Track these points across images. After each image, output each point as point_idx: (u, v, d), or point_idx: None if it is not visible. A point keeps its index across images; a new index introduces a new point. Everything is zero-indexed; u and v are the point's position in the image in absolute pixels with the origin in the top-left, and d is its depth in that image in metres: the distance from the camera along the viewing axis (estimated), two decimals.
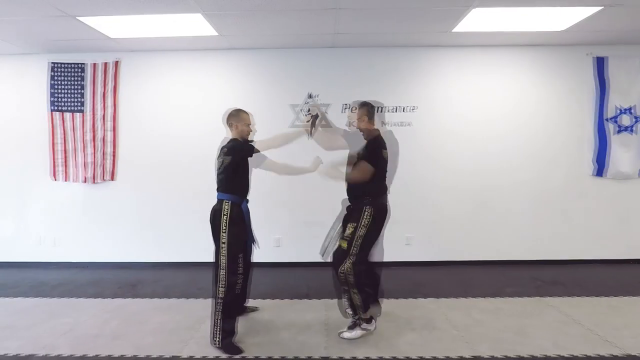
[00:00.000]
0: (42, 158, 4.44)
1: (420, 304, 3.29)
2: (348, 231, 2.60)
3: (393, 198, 4.56)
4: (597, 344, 2.54)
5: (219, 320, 2.51)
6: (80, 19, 3.37)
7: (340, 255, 2.62)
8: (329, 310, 3.12)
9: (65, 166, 4.44)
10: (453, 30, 3.82)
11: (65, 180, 4.44)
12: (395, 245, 4.40)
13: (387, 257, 4.34)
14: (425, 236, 4.44)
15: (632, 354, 2.41)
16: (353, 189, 2.69)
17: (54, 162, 4.42)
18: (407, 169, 4.34)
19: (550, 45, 4.32)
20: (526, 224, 4.43)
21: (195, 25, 3.53)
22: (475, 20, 3.56)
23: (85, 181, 4.42)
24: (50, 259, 4.50)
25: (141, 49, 4.30)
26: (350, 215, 2.67)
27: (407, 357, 2.41)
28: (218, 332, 2.51)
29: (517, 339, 2.62)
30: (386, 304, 3.26)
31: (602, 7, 3.27)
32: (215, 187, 2.68)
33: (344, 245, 2.59)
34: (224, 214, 2.55)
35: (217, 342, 2.50)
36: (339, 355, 2.45)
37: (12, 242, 4.53)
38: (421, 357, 2.41)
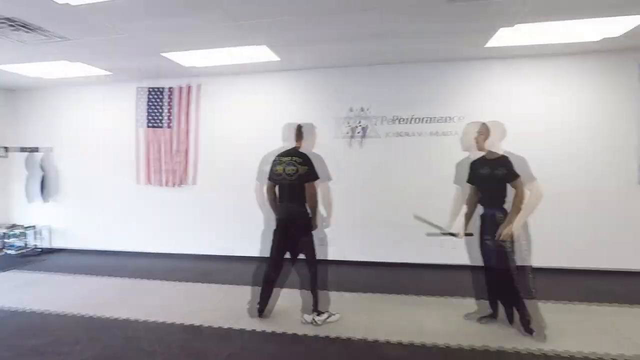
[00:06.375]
0: (140, 166, 5.43)
1: (449, 302, 3.52)
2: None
3: (438, 204, 4.77)
4: (631, 350, 2.62)
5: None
6: (171, 54, 4.17)
7: None
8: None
9: (149, 172, 5.37)
10: (485, 46, 4.00)
11: (159, 185, 5.37)
12: (439, 248, 4.63)
13: (434, 260, 4.65)
14: (470, 241, 4.58)
15: None
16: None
17: (148, 169, 5.39)
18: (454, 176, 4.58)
19: (596, 52, 4.25)
20: (581, 232, 4.39)
21: (260, 53, 4.15)
22: (507, 36, 3.69)
23: (168, 185, 5.32)
24: (144, 249, 5.46)
25: (216, 73, 5.07)
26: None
27: (435, 344, 2.73)
28: None
29: (547, 339, 2.77)
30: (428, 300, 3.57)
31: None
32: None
33: None
34: None
35: None
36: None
37: (116, 234, 5.58)
38: (447, 346, 2.72)
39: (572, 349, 2.65)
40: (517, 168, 2.85)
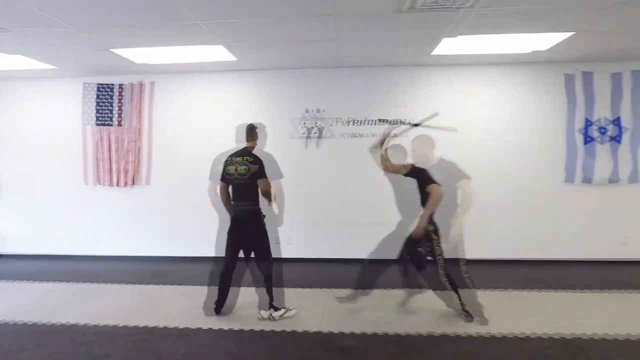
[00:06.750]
0: (89, 165, 5.19)
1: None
2: None
3: (383, 202, 4.97)
4: (553, 328, 2.96)
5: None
6: (124, 51, 4.06)
7: None
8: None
9: (110, 172, 5.15)
10: (432, 54, 4.28)
11: (110, 184, 5.16)
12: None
13: (383, 254, 4.90)
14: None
15: (579, 336, 2.84)
16: None
17: (98, 169, 5.16)
18: (399, 177, 4.83)
19: (526, 63, 4.70)
20: (513, 226, 4.83)
21: (217, 53, 4.15)
22: (452, 45, 3.97)
23: (118, 185, 5.13)
24: (95, 252, 5.23)
25: (170, 72, 4.97)
26: None
27: (386, 333, 2.92)
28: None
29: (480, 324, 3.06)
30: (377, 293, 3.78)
31: (574, 33, 3.67)
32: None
33: None
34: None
35: None
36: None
37: (63, 237, 5.29)
38: (397, 333, 2.92)
39: (505, 330, 2.94)
40: (447, 173, 3.15)
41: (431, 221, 3.05)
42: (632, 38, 3.84)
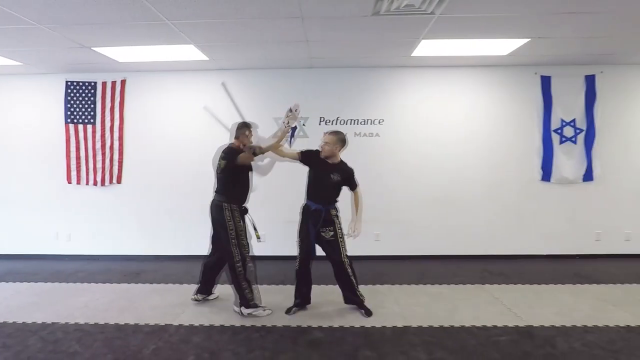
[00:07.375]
0: (59, 164, 5.11)
1: (377, 289, 3.89)
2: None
3: (363, 198, 5.11)
4: (509, 318, 3.15)
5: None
6: (95, 49, 4.03)
7: None
8: None
9: (78, 171, 5.10)
10: (412, 55, 4.44)
11: (78, 183, 5.12)
12: (366, 241, 5.02)
13: (358, 252, 5.03)
14: (392, 234, 5.05)
15: (531, 324, 3.03)
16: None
17: (68, 167, 5.10)
18: (375, 174, 4.97)
19: (501, 66, 4.92)
20: (482, 224, 5.04)
21: (188, 52, 4.18)
22: (429, 47, 4.15)
23: (95, 184, 5.09)
24: (65, 251, 5.17)
25: (144, 70, 4.95)
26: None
27: (352, 326, 3.04)
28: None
29: (446, 315, 3.24)
30: None
31: (530, 39, 3.88)
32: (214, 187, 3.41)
33: None
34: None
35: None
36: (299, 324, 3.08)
37: (32, 237, 5.21)
38: (363, 326, 3.04)
39: (464, 320, 3.11)
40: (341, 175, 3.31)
41: (335, 207, 3.34)
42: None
